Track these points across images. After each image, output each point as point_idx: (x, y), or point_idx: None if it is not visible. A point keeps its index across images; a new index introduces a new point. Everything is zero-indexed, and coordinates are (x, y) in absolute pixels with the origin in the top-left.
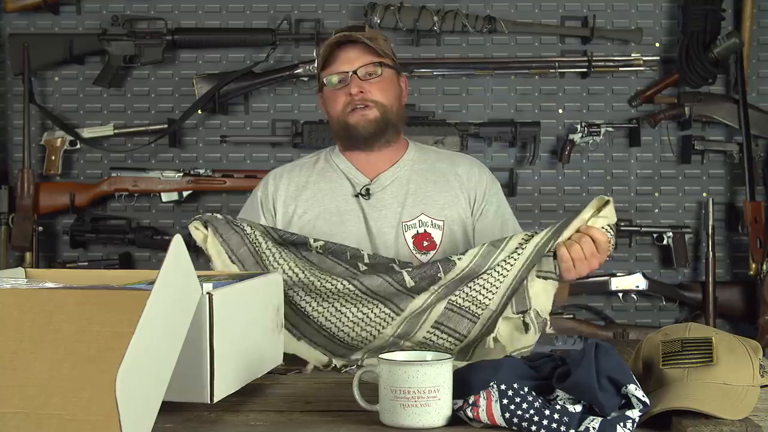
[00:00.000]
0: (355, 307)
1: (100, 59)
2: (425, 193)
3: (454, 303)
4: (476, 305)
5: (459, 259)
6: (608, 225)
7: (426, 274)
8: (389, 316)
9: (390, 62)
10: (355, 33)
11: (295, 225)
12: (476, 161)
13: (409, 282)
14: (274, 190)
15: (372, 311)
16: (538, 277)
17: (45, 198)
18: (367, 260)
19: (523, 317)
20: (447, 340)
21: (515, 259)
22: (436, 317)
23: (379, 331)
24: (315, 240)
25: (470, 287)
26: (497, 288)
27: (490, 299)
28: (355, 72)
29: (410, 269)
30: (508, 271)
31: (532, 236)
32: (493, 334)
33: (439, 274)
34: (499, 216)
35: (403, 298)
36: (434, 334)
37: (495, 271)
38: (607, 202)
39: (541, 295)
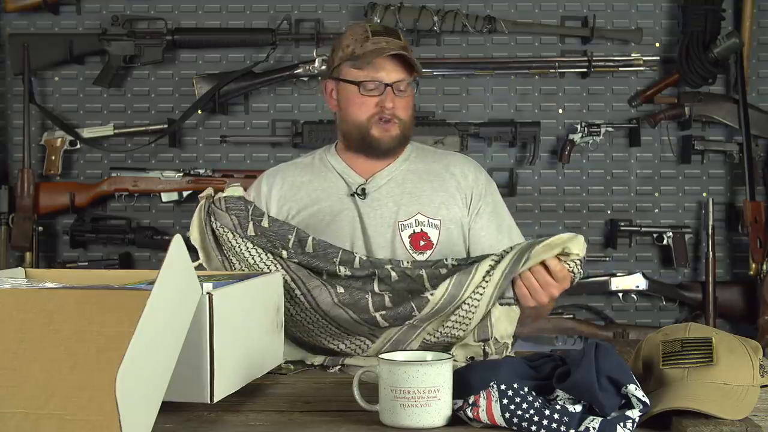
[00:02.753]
0: (328, 335)
1: (100, 59)
2: (421, 193)
3: (428, 342)
4: (452, 338)
5: (431, 294)
6: (574, 258)
7: (400, 314)
8: (364, 343)
9: (418, 77)
10: (394, 41)
11: None
12: (472, 161)
13: (382, 323)
14: (267, 191)
15: (344, 342)
16: (500, 304)
17: (45, 198)
18: (353, 267)
19: (484, 346)
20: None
21: (484, 288)
22: (413, 348)
23: (356, 353)
24: (314, 239)
25: (445, 325)
26: (470, 320)
27: (465, 331)
28: (391, 85)
29: (383, 312)
30: (479, 301)
31: (499, 261)
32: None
33: (413, 313)
34: (495, 216)
35: (374, 330)
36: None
37: (466, 303)
38: (572, 239)
39: (502, 320)
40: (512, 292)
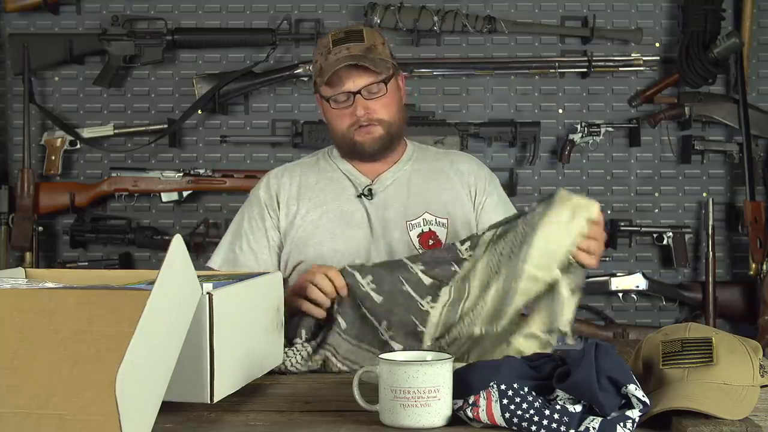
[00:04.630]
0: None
1: (100, 59)
2: (427, 192)
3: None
4: (467, 337)
5: (431, 306)
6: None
7: (407, 333)
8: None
9: (391, 71)
10: (354, 45)
11: (298, 224)
12: (475, 158)
13: (397, 347)
14: (277, 188)
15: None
16: (573, 293)
17: (45, 198)
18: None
19: (549, 338)
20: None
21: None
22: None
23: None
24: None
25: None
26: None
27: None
28: (359, 92)
29: (392, 334)
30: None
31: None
32: (515, 345)
33: (418, 329)
34: (501, 207)
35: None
36: None
37: (467, 317)
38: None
39: (570, 310)
40: (581, 276)
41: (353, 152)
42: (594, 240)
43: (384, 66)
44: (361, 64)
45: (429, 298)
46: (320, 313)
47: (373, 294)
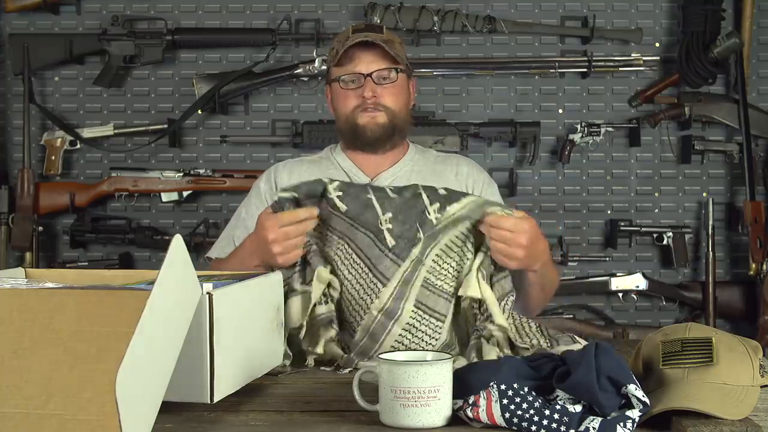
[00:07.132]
0: (352, 267)
1: (100, 59)
2: None
3: (428, 281)
4: (446, 283)
5: (435, 218)
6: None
7: (405, 234)
8: (377, 286)
9: (404, 67)
10: (374, 34)
11: None
12: (476, 163)
13: (390, 241)
14: (277, 180)
15: (363, 278)
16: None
17: (45, 198)
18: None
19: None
20: (430, 321)
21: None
22: (416, 295)
23: (372, 299)
24: (331, 181)
25: (440, 265)
26: (460, 271)
27: (455, 278)
28: (370, 75)
29: (390, 227)
30: (468, 259)
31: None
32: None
33: (418, 235)
34: None
35: (388, 264)
36: (418, 315)
37: (462, 253)
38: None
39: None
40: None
41: (354, 136)
42: (500, 242)
43: (399, 58)
44: (377, 42)
45: (437, 205)
46: (296, 256)
47: (388, 190)
